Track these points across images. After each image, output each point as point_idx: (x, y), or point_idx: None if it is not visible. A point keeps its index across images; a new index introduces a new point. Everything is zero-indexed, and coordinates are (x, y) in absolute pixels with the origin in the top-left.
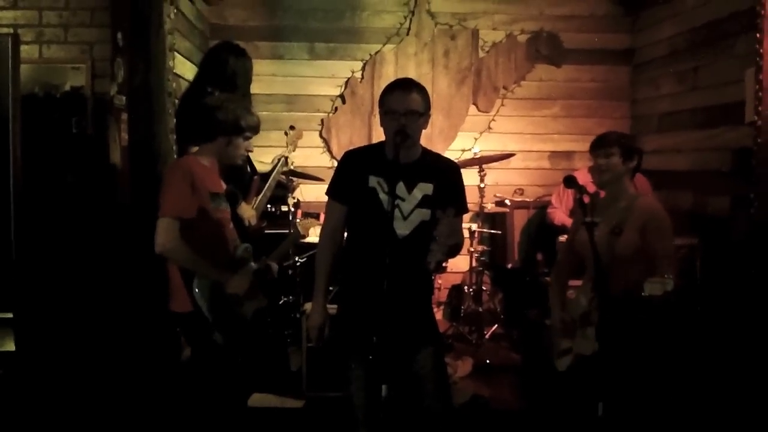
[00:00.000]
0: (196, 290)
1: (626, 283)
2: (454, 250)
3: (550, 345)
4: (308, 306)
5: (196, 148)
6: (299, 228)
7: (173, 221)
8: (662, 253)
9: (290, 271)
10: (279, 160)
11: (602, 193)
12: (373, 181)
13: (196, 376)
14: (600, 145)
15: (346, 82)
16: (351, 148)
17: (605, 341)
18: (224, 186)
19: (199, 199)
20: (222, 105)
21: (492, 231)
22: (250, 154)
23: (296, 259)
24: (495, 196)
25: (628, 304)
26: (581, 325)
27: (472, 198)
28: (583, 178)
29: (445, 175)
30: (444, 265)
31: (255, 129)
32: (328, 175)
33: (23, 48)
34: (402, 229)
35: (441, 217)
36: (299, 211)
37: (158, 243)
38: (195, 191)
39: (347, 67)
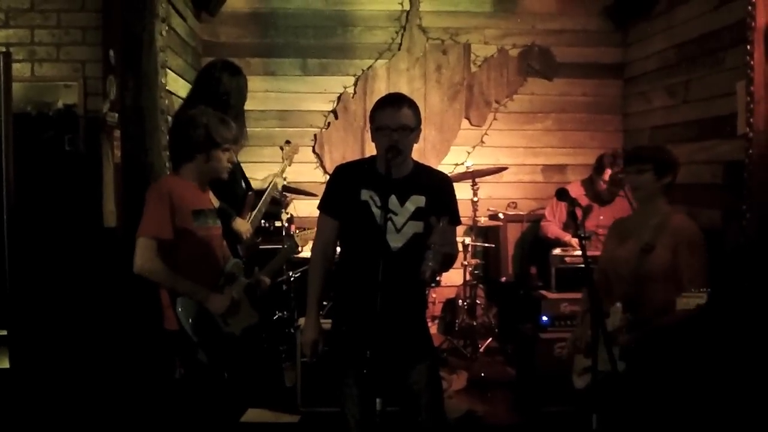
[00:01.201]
0: (179, 309)
1: (656, 302)
2: (449, 262)
3: (570, 362)
4: (302, 321)
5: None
6: (297, 240)
7: (150, 241)
8: (693, 273)
9: (284, 287)
10: (273, 179)
11: (595, 207)
12: (365, 194)
13: (185, 393)
14: (633, 161)
15: (339, 98)
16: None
17: (595, 356)
18: (214, 202)
19: (180, 219)
20: (193, 121)
21: (485, 244)
22: (244, 169)
23: (290, 274)
24: (488, 209)
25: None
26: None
27: (465, 212)
28: (576, 191)
29: (437, 188)
30: (438, 278)
31: (233, 139)
32: (322, 191)
33: (15, 66)
34: (395, 241)
35: (435, 225)
36: (293, 226)
37: (136, 263)
38: (175, 211)
39: (339, 83)
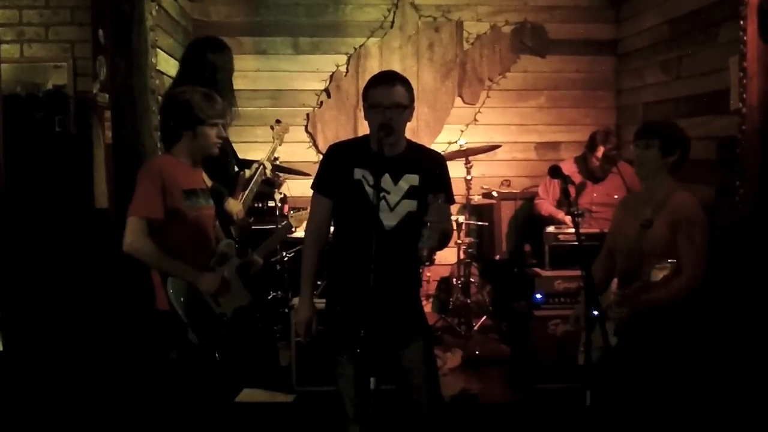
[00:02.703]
0: (170, 290)
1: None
2: (445, 239)
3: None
4: (296, 301)
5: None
6: (291, 220)
7: (140, 221)
8: (689, 253)
9: (278, 267)
10: (261, 165)
11: (588, 184)
12: (358, 173)
13: (177, 374)
14: (641, 135)
15: (331, 77)
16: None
17: (589, 333)
18: (206, 182)
19: (170, 199)
20: (175, 99)
21: (479, 223)
22: (236, 149)
23: (284, 254)
24: (482, 188)
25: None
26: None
27: (458, 190)
28: (569, 168)
29: (430, 166)
30: (433, 257)
31: (219, 114)
32: (315, 170)
33: (4, 47)
34: (389, 220)
35: (431, 202)
36: (286, 206)
37: (125, 242)
38: (166, 191)
39: (332, 62)
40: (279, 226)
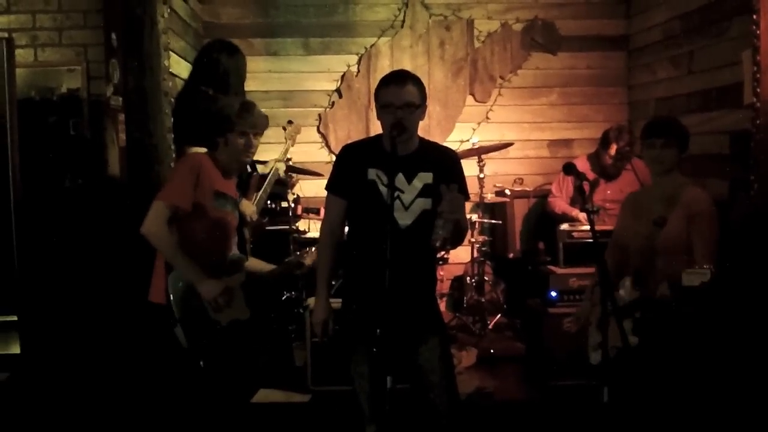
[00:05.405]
0: (172, 281)
1: (669, 275)
2: (460, 234)
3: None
4: (311, 301)
5: (193, 149)
6: (306, 258)
7: (165, 207)
8: (705, 246)
9: None
10: (275, 165)
11: (601, 181)
12: (372, 173)
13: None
14: (659, 133)
15: (342, 77)
16: (349, 142)
17: (605, 330)
18: (236, 191)
19: (200, 192)
20: (208, 109)
21: (492, 221)
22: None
23: (298, 254)
24: (495, 186)
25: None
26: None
27: (471, 188)
28: (582, 165)
29: (444, 164)
30: (446, 255)
31: (251, 124)
32: (327, 170)
33: (18, 52)
34: (404, 219)
35: (444, 193)
36: (299, 207)
37: (145, 224)
38: (198, 185)
39: (342, 62)
40: (290, 259)
